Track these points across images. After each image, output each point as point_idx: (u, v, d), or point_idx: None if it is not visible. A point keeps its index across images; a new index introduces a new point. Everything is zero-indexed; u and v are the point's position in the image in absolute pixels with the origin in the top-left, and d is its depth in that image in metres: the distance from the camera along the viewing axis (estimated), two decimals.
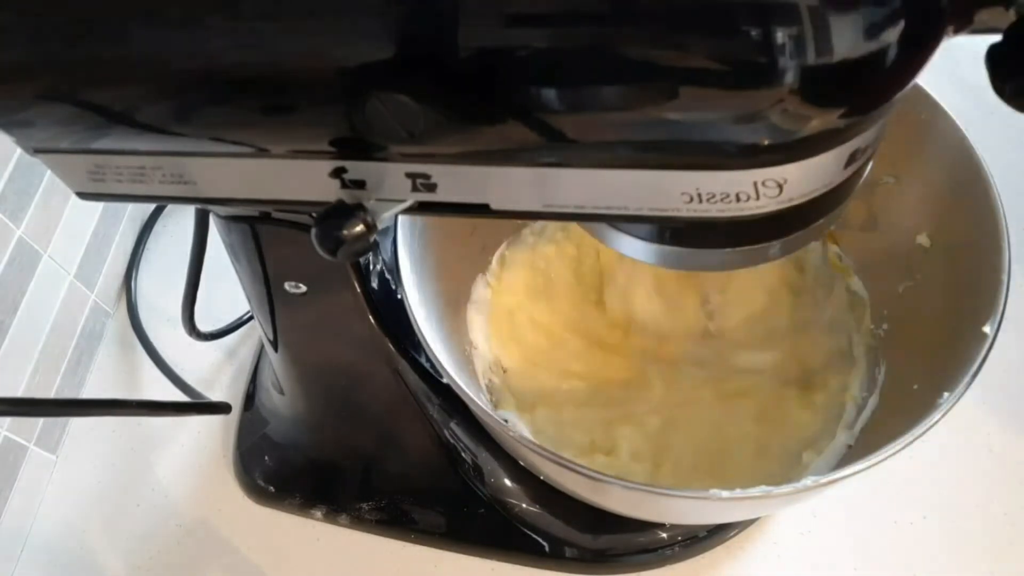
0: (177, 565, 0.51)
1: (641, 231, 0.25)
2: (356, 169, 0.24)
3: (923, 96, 0.40)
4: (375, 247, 0.39)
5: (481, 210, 0.24)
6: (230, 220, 0.35)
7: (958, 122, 0.39)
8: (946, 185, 0.40)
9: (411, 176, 0.23)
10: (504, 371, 0.48)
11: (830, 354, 0.47)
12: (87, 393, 0.57)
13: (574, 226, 0.52)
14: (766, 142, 0.20)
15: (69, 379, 0.56)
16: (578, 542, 0.48)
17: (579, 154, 0.22)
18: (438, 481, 0.50)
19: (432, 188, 0.24)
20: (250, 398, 0.55)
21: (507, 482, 0.48)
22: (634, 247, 0.26)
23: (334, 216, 0.23)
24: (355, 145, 0.23)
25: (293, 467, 0.52)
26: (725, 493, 0.31)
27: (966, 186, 0.38)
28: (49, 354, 0.53)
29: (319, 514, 0.51)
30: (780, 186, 0.21)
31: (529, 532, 0.48)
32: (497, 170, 0.23)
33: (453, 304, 0.48)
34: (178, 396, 0.55)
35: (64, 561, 0.51)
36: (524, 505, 0.48)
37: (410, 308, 0.37)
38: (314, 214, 0.24)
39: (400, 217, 0.39)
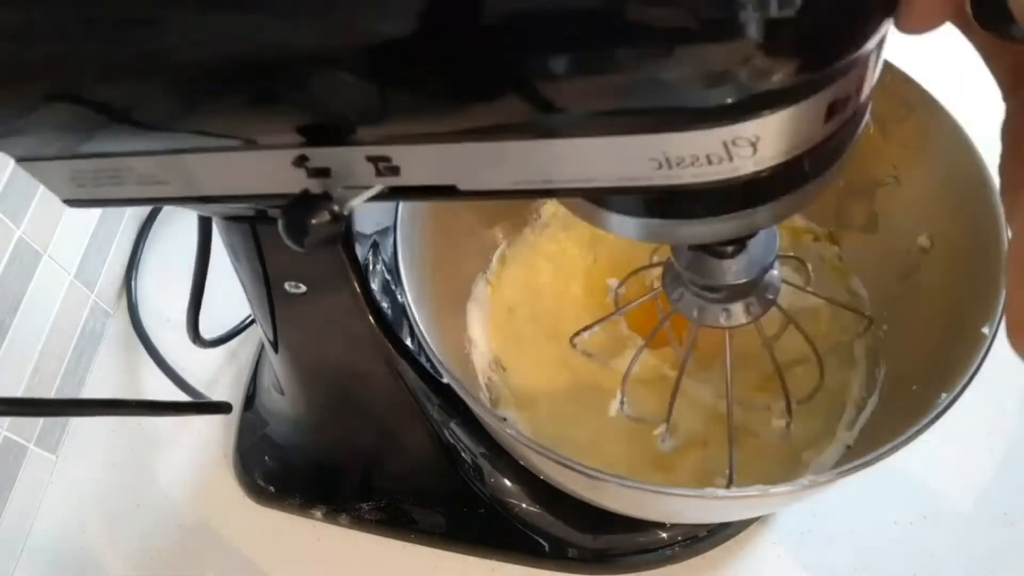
0: (177, 565, 0.51)
1: (622, 205, 0.24)
2: (318, 156, 0.24)
3: (923, 96, 0.40)
4: (374, 247, 0.40)
5: (449, 192, 0.24)
6: (230, 220, 0.35)
7: (958, 122, 0.39)
8: (946, 185, 0.40)
9: (372, 160, 0.23)
10: (504, 370, 0.48)
11: (830, 354, 0.47)
12: (87, 393, 0.57)
13: (576, 225, 0.52)
14: (730, 100, 0.19)
15: (69, 379, 0.56)
16: (578, 542, 0.48)
17: (541, 124, 0.21)
18: (438, 481, 0.50)
19: (395, 171, 0.23)
20: (250, 398, 0.55)
21: (507, 482, 0.48)
22: (618, 223, 0.25)
23: (299, 206, 0.23)
24: (316, 132, 0.23)
25: (293, 467, 0.52)
26: (724, 492, 0.31)
27: (966, 186, 0.38)
28: (49, 354, 0.53)
29: (319, 514, 0.51)
30: (753, 145, 0.20)
31: (529, 532, 0.48)
32: (459, 147, 0.22)
33: (453, 303, 0.48)
34: (178, 396, 0.55)
35: (64, 561, 0.51)
36: (524, 505, 0.48)
37: (410, 308, 0.37)
38: (280, 206, 0.23)
39: (400, 217, 0.39)
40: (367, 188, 0.24)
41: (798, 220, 0.50)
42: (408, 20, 0.19)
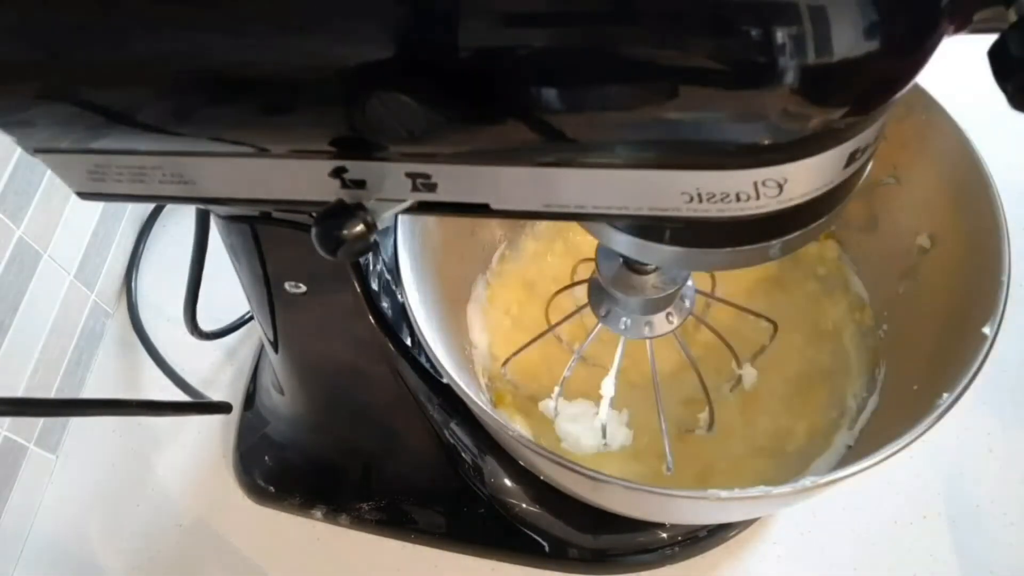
0: (177, 565, 0.51)
1: (641, 231, 0.25)
2: (356, 169, 0.24)
3: (923, 96, 0.40)
4: (375, 247, 0.39)
5: (481, 210, 0.24)
6: (230, 220, 0.35)
7: (958, 122, 0.39)
8: (946, 185, 0.40)
9: (411, 176, 0.23)
10: (504, 371, 0.48)
11: (830, 354, 0.47)
12: (87, 393, 0.57)
13: (573, 228, 0.52)
14: (766, 142, 0.20)
15: (69, 379, 0.56)
16: (578, 542, 0.48)
17: (579, 154, 0.22)
18: (438, 481, 0.50)
19: (432, 188, 0.24)
20: (250, 398, 0.55)
21: (507, 482, 0.48)
22: (635, 247, 0.26)
23: (334, 216, 0.23)
24: (355, 145, 0.23)
25: (293, 467, 0.52)
26: (724, 493, 0.31)
27: (966, 186, 0.38)
28: (49, 354, 0.53)
29: (319, 514, 0.51)
30: (780, 186, 0.21)
31: (529, 532, 0.48)
32: (497, 170, 0.23)
33: (453, 304, 0.48)
34: (178, 396, 0.55)
35: (64, 561, 0.51)
36: (524, 505, 0.48)
37: (410, 308, 0.37)
38: (314, 214, 0.24)
39: (400, 217, 0.39)
40: (401, 201, 0.24)
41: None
42: (449, 50, 0.19)
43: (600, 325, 0.39)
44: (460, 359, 0.45)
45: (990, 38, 0.19)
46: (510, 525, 0.48)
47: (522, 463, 0.42)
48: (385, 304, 0.40)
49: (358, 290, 0.38)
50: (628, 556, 0.47)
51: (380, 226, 0.24)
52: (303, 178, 0.25)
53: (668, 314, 0.38)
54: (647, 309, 0.37)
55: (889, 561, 0.47)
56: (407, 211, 0.25)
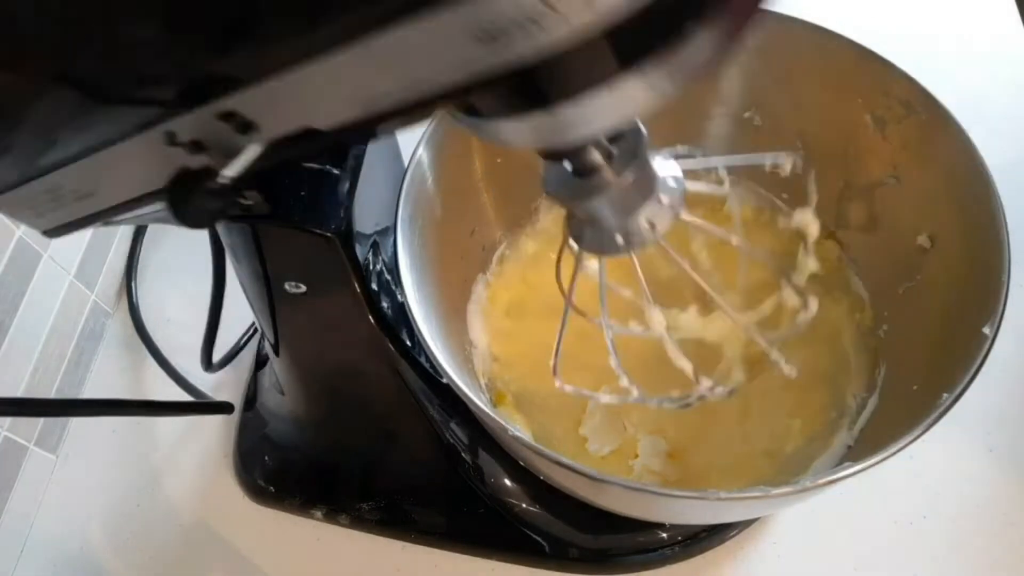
0: (177, 565, 0.51)
1: (495, 106, 0.22)
2: (181, 129, 0.24)
3: (923, 96, 0.40)
4: (375, 247, 0.40)
5: (314, 138, 0.23)
6: (231, 220, 0.35)
7: (958, 122, 0.39)
8: (946, 185, 0.40)
9: (223, 118, 0.23)
10: (504, 371, 0.48)
11: (830, 354, 0.47)
12: (87, 393, 0.57)
13: None
14: None
15: (69, 379, 0.56)
16: (578, 542, 0.48)
17: (352, 25, 0.20)
18: (438, 481, 0.50)
19: (252, 126, 0.23)
20: (251, 398, 0.55)
21: (507, 482, 0.48)
22: (500, 129, 0.23)
23: (178, 185, 0.23)
24: (156, 97, 0.23)
25: (293, 467, 0.52)
26: (724, 493, 0.31)
27: (966, 186, 0.38)
28: (49, 354, 0.53)
29: (319, 514, 0.51)
30: None
31: (529, 532, 0.48)
32: (291, 79, 0.21)
33: (453, 304, 0.48)
34: (179, 396, 0.55)
35: (64, 561, 0.51)
36: (524, 505, 0.48)
37: (410, 308, 0.37)
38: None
39: (400, 217, 0.39)
40: (237, 152, 0.24)
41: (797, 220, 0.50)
42: None
43: (576, 268, 0.35)
44: (460, 359, 0.45)
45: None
46: (510, 525, 0.48)
47: (522, 463, 0.42)
48: (385, 304, 0.40)
49: (358, 290, 0.38)
50: (628, 556, 0.47)
51: (228, 183, 0.23)
52: (154, 157, 0.25)
53: (650, 220, 0.30)
54: (619, 215, 0.30)
55: (889, 561, 0.47)
56: (262, 164, 0.24)
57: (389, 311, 0.40)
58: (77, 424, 0.56)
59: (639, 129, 0.29)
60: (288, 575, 0.50)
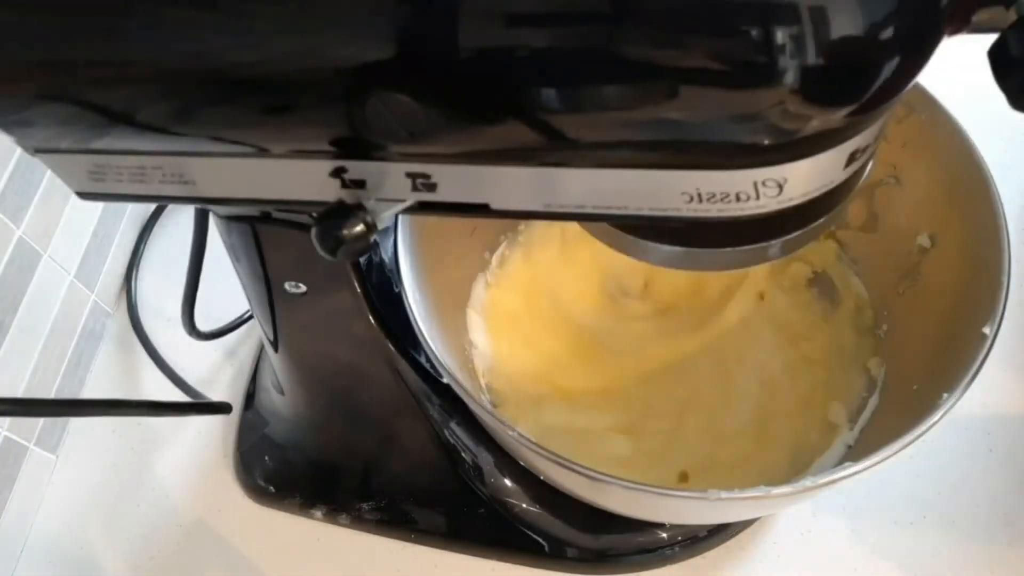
0: (177, 565, 0.51)
1: (643, 231, 0.25)
2: (356, 169, 0.24)
3: (923, 96, 0.40)
4: (374, 247, 0.40)
5: (481, 210, 0.24)
6: (230, 220, 0.35)
7: (958, 122, 0.39)
8: (946, 185, 0.40)
9: (411, 176, 0.24)
10: (505, 371, 0.48)
11: (830, 354, 0.47)
12: (87, 393, 0.57)
13: (572, 226, 0.52)
14: (766, 142, 0.20)
15: (69, 379, 0.56)
16: (578, 542, 0.48)
17: (579, 154, 0.22)
18: (438, 481, 0.50)
19: (432, 188, 0.24)
20: (250, 398, 0.55)
21: (507, 482, 0.48)
22: (635, 247, 0.26)
23: (334, 216, 0.23)
24: (355, 145, 0.23)
25: (293, 467, 0.52)
26: (724, 493, 0.31)
27: (966, 186, 0.38)
28: (49, 354, 0.53)
29: (319, 514, 0.51)
30: (780, 186, 0.21)
31: (529, 532, 0.48)
32: (497, 170, 0.23)
33: (453, 304, 0.48)
34: (178, 396, 0.55)
35: (64, 561, 0.51)
36: (524, 505, 0.48)
37: (410, 308, 0.37)
38: (314, 214, 0.24)
39: (400, 217, 0.39)
40: (401, 201, 0.24)
41: None
42: (450, 49, 0.19)
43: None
44: (460, 359, 0.45)
45: (991, 38, 0.19)
46: (510, 525, 0.48)
47: (522, 463, 0.42)
48: (385, 304, 0.40)
49: (358, 290, 0.38)
50: (628, 556, 0.47)
51: (380, 226, 0.24)
52: (303, 178, 0.25)
53: None
54: None
55: (889, 561, 0.47)
56: (408, 211, 0.25)
57: (389, 311, 0.40)
58: (77, 424, 0.56)
59: None
60: (288, 575, 0.50)
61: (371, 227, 0.23)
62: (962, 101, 0.40)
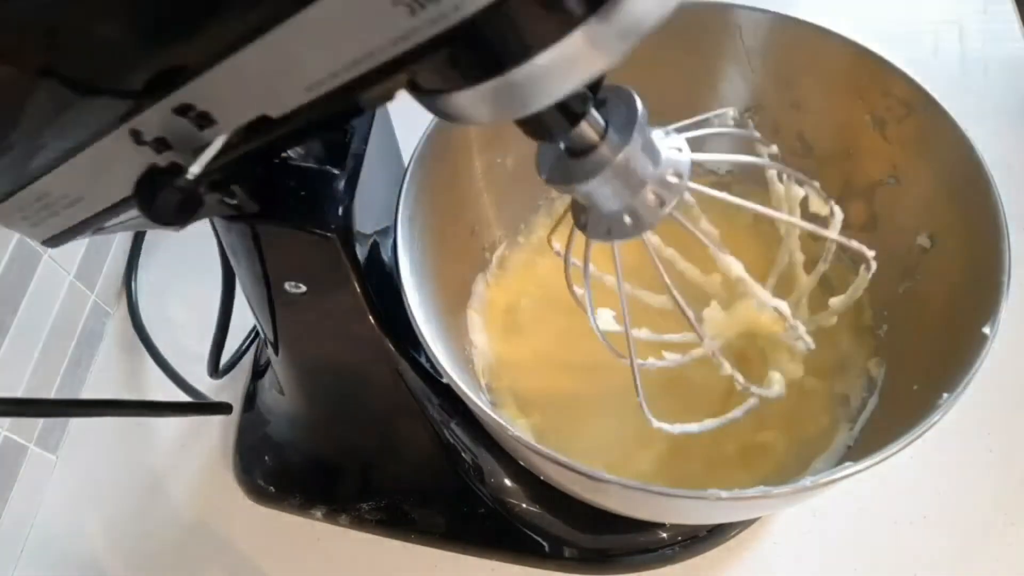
0: (177, 565, 0.51)
1: (445, 78, 0.22)
2: (145, 126, 0.24)
3: (923, 96, 0.40)
4: (375, 247, 0.40)
5: (269, 126, 0.24)
6: (230, 220, 0.35)
7: (958, 122, 0.39)
8: (946, 185, 0.40)
9: (180, 112, 0.23)
10: (505, 371, 0.48)
11: (830, 354, 0.47)
12: (87, 393, 0.57)
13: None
14: None
15: (69, 379, 0.56)
16: (578, 542, 0.48)
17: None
18: (438, 481, 0.50)
19: (208, 118, 0.24)
20: (250, 398, 0.55)
21: (507, 482, 0.48)
22: (455, 103, 0.22)
23: (146, 182, 0.23)
24: (119, 92, 0.23)
25: (293, 467, 0.52)
26: (724, 493, 0.31)
27: (966, 186, 0.38)
28: (49, 354, 0.53)
29: (319, 514, 0.51)
30: None
31: (529, 532, 0.48)
32: (232, 65, 0.22)
33: (453, 304, 0.48)
34: (178, 396, 0.55)
35: (64, 561, 0.51)
36: (524, 505, 0.48)
37: (410, 308, 0.37)
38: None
39: (400, 217, 0.39)
40: (201, 148, 0.24)
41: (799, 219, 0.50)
42: None
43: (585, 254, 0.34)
44: (460, 359, 0.45)
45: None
46: (510, 525, 0.48)
47: (522, 463, 0.42)
48: (385, 304, 0.40)
49: (358, 290, 0.38)
50: (628, 556, 0.47)
51: (193, 179, 0.24)
52: (127, 156, 0.25)
53: (657, 195, 0.29)
54: (622, 194, 0.28)
55: (889, 561, 0.47)
56: (227, 157, 0.24)
57: (389, 311, 0.40)
58: (77, 424, 0.56)
59: (632, 98, 0.27)
60: (288, 575, 0.50)
61: (187, 184, 0.23)
62: (962, 101, 0.40)
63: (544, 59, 0.20)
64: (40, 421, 0.53)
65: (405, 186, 0.39)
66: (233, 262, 0.39)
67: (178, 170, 0.24)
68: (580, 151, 0.27)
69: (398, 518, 0.50)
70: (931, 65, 0.42)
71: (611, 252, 0.33)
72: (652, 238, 0.32)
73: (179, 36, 0.21)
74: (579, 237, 0.33)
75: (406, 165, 0.40)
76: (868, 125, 0.43)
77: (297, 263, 0.37)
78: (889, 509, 0.48)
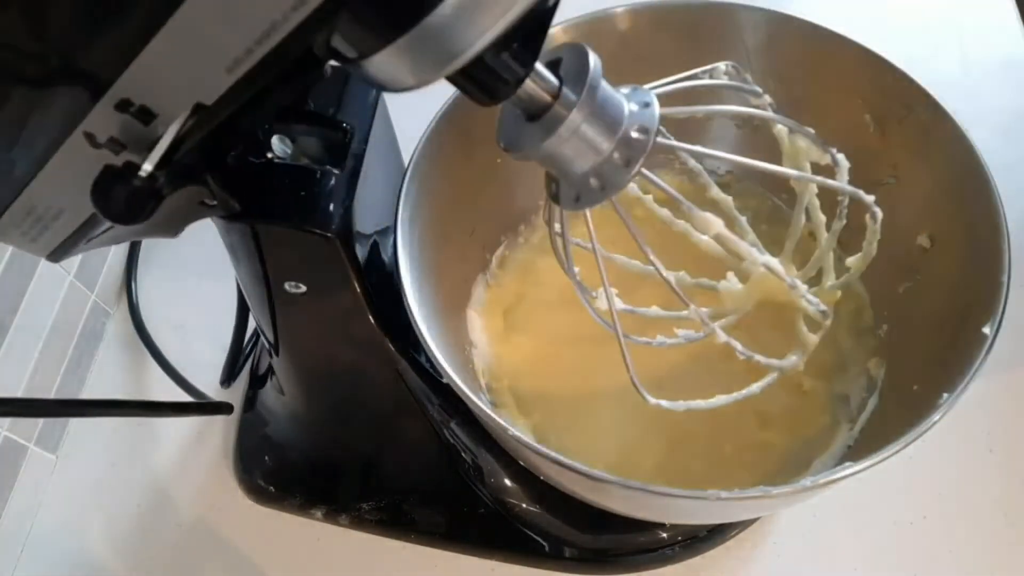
0: (177, 565, 0.51)
1: (360, 39, 0.21)
2: (97, 126, 0.24)
3: (923, 97, 0.40)
4: (375, 247, 0.40)
5: (209, 114, 0.24)
6: (230, 220, 0.35)
7: (958, 122, 0.39)
8: (946, 185, 0.40)
9: (121, 109, 0.23)
10: (504, 371, 0.48)
11: (830, 354, 0.47)
12: (87, 393, 0.57)
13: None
14: None
15: (69, 379, 0.56)
16: (578, 542, 0.48)
17: None
18: (438, 481, 0.50)
19: (148, 112, 0.24)
20: (251, 398, 0.55)
21: (507, 482, 0.48)
22: (394, 62, 0.21)
23: (101, 182, 0.24)
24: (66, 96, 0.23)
25: (293, 467, 0.52)
26: (724, 493, 0.31)
27: (966, 186, 0.38)
28: (49, 354, 0.53)
29: (319, 514, 0.51)
30: None
31: (529, 532, 0.48)
32: (150, 54, 0.22)
33: (453, 304, 0.48)
34: (179, 396, 0.55)
35: (64, 561, 0.51)
36: (524, 505, 0.48)
37: (410, 308, 0.37)
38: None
39: (400, 217, 0.39)
40: (153, 142, 0.24)
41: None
42: None
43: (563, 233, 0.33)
44: (460, 359, 0.45)
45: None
46: (510, 525, 0.48)
47: (522, 463, 0.42)
48: (385, 304, 0.40)
49: (358, 290, 0.38)
50: (628, 556, 0.47)
51: (146, 175, 0.24)
52: (88, 163, 0.25)
53: (623, 157, 0.27)
54: (585, 155, 0.27)
55: (889, 561, 0.47)
56: (179, 152, 0.24)
57: (389, 311, 0.40)
58: (77, 424, 0.56)
59: (585, 52, 0.26)
60: (288, 575, 0.50)
61: (142, 183, 0.23)
62: (962, 101, 0.40)
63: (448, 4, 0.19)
64: (40, 421, 0.53)
65: (405, 186, 0.39)
66: (233, 262, 0.39)
67: (134, 169, 0.24)
68: (535, 113, 0.26)
69: (398, 518, 0.50)
70: (931, 65, 0.42)
71: (615, 226, 0.31)
72: (637, 200, 0.31)
73: (89, 32, 0.21)
74: (579, 217, 0.31)
75: (406, 165, 0.40)
76: (868, 125, 0.43)
77: (297, 263, 0.37)
78: (889, 509, 0.48)
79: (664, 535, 0.47)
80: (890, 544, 0.47)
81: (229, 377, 0.54)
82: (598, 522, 0.47)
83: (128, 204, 0.23)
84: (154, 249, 0.64)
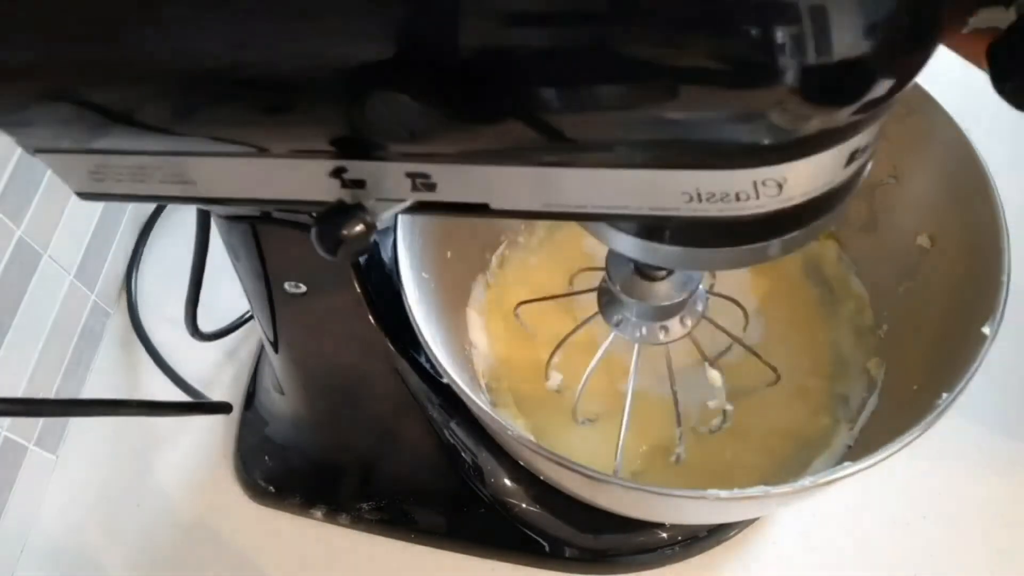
0: (177, 565, 0.51)
1: (641, 231, 0.25)
2: (356, 169, 0.24)
3: (923, 96, 0.40)
4: (374, 247, 0.40)
5: (481, 210, 0.24)
6: (230, 220, 0.35)
7: (958, 122, 0.39)
8: (946, 185, 0.40)
9: (411, 176, 0.23)
10: (505, 371, 0.48)
11: (830, 354, 0.47)
12: (87, 393, 0.57)
13: (572, 226, 0.52)
14: (766, 141, 0.20)
15: (69, 379, 0.56)
16: (578, 542, 0.48)
17: (579, 154, 0.22)
18: (438, 481, 0.50)
19: (432, 188, 0.24)
20: (250, 398, 0.55)
21: (507, 482, 0.48)
22: (635, 247, 0.26)
23: (334, 216, 0.23)
24: (355, 145, 0.23)
25: (293, 467, 0.52)
26: (724, 493, 0.31)
27: (966, 186, 0.38)
28: (49, 354, 0.53)
29: (319, 514, 0.51)
30: (780, 186, 0.21)
31: (529, 532, 0.48)
32: (497, 170, 0.23)
33: (453, 304, 0.48)
34: (178, 396, 0.55)
35: (64, 561, 0.51)
36: (524, 505, 0.48)
37: (410, 308, 0.37)
38: (314, 214, 0.24)
39: (400, 217, 0.39)
40: (401, 201, 0.24)
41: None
42: (450, 49, 0.19)
43: (614, 334, 0.40)
44: (460, 359, 0.45)
45: (990, 37, 0.19)
46: (510, 525, 0.48)
47: (522, 463, 0.42)
48: (385, 304, 0.40)
49: (358, 290, 0.38)
50: (628, 556, 0.47)
51: (380, 226, 0.24)
52: (303, 178, 0.25)
53: (682, 318, 0.38)
54: (659, 315, 0.37)
55: (889, 561, 0.47)
56: (408, 211, 0.25)
57: (389, 311, 0.40)
58: (77, 424, 0.56)
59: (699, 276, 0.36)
60: (288, 575, 0.50)
61: (371, 227, 0.23)
62: (962, 101, 0.40)
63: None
64: (40, 421, 0.53)
65: None
66: (233, 262, 0.39)
67: (360, 209, 0.23)
68: (649, 276, 0.35)
69: (398, 518, 0.50)
70: (931, 65, 0.42)
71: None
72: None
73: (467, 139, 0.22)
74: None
75: None
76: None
77: (297, 263, 0.37)
78: (889, 509, 0.48)
79: (664, 535, 0.47)
80: (890, 544, 0.47)
81: (194, 325, 0.50)
82: (598, 522, 0.47)
83: (354, 245, 0.23)
84: (154, 249, 0.64)
